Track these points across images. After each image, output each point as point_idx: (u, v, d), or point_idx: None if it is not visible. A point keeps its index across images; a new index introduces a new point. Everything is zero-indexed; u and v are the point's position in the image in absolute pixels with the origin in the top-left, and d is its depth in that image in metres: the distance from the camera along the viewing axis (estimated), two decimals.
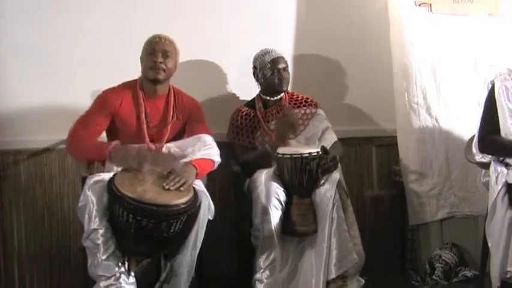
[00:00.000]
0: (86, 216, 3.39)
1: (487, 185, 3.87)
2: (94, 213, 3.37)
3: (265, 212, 3.76)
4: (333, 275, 3.73)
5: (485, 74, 4.41)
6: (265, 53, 4.23)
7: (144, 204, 3.26)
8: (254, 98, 4.32)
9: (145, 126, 3.77)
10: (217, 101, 4.47)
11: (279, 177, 3.86)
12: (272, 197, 3.77)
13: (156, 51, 3.77)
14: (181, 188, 3.43)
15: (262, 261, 3.79)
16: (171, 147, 3.75)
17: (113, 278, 3.37)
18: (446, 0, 4.56)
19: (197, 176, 3.60)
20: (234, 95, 4.55)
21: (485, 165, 3.90)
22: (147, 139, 3.76)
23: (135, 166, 3.50)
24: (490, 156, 3.84)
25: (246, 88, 4.37)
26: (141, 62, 3.82)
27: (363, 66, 4.74)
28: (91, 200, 3.38)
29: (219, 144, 3.85)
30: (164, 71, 3.76)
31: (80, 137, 3.68)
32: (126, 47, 4.06)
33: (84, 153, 3.72)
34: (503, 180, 3.66)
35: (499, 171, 3.72)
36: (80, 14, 4.29)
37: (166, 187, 3.40)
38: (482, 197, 4.13)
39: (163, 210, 3.29)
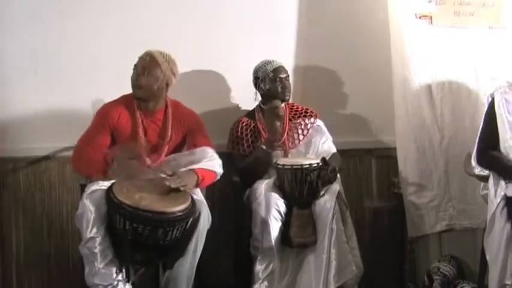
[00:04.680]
0: (84, 224, 3.41)
1: (486, 197, 3.88)
2: (92, 221, 3.39)
3: (265, 222, 3.77)
4: (331, 287, 3.74)
5: (486, 87, 4.43)
6: (266, 63, 4.25)
7: (140, 211, 3.29)
8: (254, 109, 4.33)
9: (142, 142, 3.77)
10: (218, 112, 4.47)
11: (279, 188, 3.88)
12: (272, 208, 3.78)
13: (137, 68, 3.78)
14: (181, 188, 3.45)
15: (261, 272, 3.79)
16: (171, 159, 3.75)
17: (110, 286, 3.40)
18: (446, 13, 4.56)
19: (198, 185, 3.62)
20: (234, 105, 4.55)
21: (485, 178, 3.90)
22: (145, 156, 3.76)
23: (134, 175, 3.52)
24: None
25: (247, 99, 4.38)
26: None
27: (363, 78, 4.74)
28: (89, 208, 3.41)
29: (220, 155, 3.86)
30: (141, 88, 3.75)
31: (85, 152, 3.69)
32: (127, 55, 4.05)
33: (89, 171, 3.71)
34: (502, 193, 3.67)
35: (498, 184, 3.73)
36: (79, 21, 4.28)
37: (167, 183, 3.43)
38: (481, 210, 4.13)
39: (159, 217, 3.31)
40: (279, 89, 4.21)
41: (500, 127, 3.74)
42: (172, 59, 3.83)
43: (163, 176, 3.55)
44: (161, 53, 3.80)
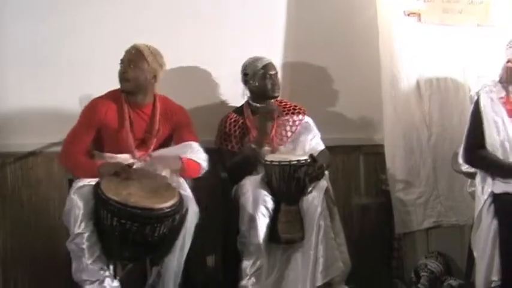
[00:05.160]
0: (72, 220, 3.40)
1: (473, 194, 3.91)
2: (80, 217, 3.38)
3: (252, 219, 3.77)
4: (319, 283, 3.73)
5: (473, 85, 4.45)
6: (256, 59, 4.24)
7: (129, 208, 3.28)
8: (242, 105, 4.32)
9: (130, 137, 3.77)
10: (206, 108, 4.47)
11: (267, 184, 3.88)
12: (259, 204, 3.78)
13: (124, 62, 3.79)
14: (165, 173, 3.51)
15: (248, 268, 3.80)
16: (154, 157, 3.75)
17: (97, 282, 3.39)
18: (435, 11, 4.58)
19: (182, 172, 3.64)
20: (222, 102, 4.55)
21: (472, 175, 3.93)
22: (134, 149, 3.78)
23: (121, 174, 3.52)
24: None
25: (235, 95, 4.37)
26: None
27: (352, 75, 4.75)
28: (76, 204, 3.40)
29: (207, 151, 3.86)
30: (128, 81, 3.76)
31: (71, 154, 3.69)
32: (115, 51, 4.02)
33: (75, 171, 3.71)
34: (489, 190, 3.70)
35: (485, 181, 3.76)
36: (67, 18, 4.27)
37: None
38: (469, 207, 4.15)
39: (148, 214, 3.30)
40: (269, 86, 4.20)
41: (486, 126, 3.78)
42: (158, 51, 3.83)
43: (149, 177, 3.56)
44: (147, 45, 3.80)
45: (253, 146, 4.06)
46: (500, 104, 3.83)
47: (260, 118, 4.13)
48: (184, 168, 3.66)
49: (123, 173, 3.52)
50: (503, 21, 4.62)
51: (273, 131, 4.19)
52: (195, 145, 3.82)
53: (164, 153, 3.78)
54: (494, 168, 3.74)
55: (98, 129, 3.77)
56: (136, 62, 3.76)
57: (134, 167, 3.65)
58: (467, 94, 4.52)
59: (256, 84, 4.22)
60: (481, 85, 3.95)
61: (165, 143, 3.91)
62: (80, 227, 3.38)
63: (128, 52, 3.79)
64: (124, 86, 3.77)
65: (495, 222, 3.60)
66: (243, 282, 3.80)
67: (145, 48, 3.78)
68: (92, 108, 3.80)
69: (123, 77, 3.76)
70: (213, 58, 4.48)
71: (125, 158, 3.75)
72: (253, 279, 3.78)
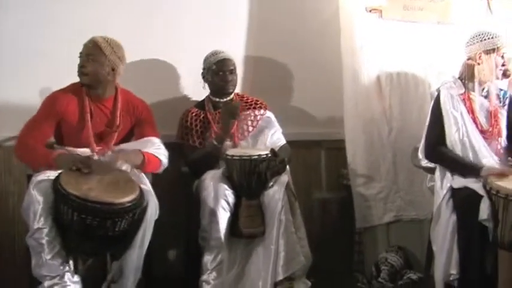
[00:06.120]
0: (31, 215, 3.36)
1: (432, 189, 3.96)
2: (39, 212, 3.34)
3: (213, 213, 3.77)
4: (280, 277, 3.76)
5: (434, 81, 4.50)
6: (212, 54, 4.22)
7: (89, 202, 3.26)
8: (204, 100, 4.31)
9: (90, 130, 3.74)
10: (167, 102, 4.45)
11: (228, 179, 3.87)
12: (220, 199, 3.77)
13: (82, 55, 3.76)
14: (125, 167, 3.49)
15: (209, 263, 3.79)
16: (116, 150, 3.73)
17: (58, 277, 3.36)
18: (396, 7, 4.62)
19: (142, 166, 3.63)
20: (184, 96, 4.53)
21: (431, 170, 3.99)
22: (93, 142, 3.74)
23: (81, 168, 3.48)
24: None
25: (197, 89, 4.35)
26: None
27: (314, 70, 4.76)
28: (36, 198, 3.35)
29: (169, 145, 3.86)
30: (86, 74, 3.73)
31: (28, 143, 3.63)
32: (75, 44, 3.97)
33: (31, 160, 3.68)
34: (448, 185, 3.76)
35: (445, 176, 3.81)
36: (27, 10, 4.21)
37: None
38: (428, 201, 4.20)
39: (108, 209, 3.28)
40: (220, 83, 4.19)
41: (446, 122, 3.84)
42: (118, 43, 3.80)
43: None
44: (105, 38, 3.77)
45: (215, 142, 4.05)
46: (460, 100, 3.89)
47: (223, 115, 4.10)
48: (145, 162, 3.65)
49: (81, 166, 3.48)
50: (462, 19, 4.67)
51: (235, 126, 4.18)
52: (156, 141, 3.82)
53: (125, 147, 3.77)
54: (454, 166, 3.80)
55: (58, 122, 3.73)
56: (94, 56, 3.72)
57: (94, 158, 3.63)
58: (427, 90, 4.58)
59: (210, 79, 4.22)
60: (442, 81, 4.00)
61: (126, 138, 3.89)
62: (39, 222, 3.34)
63: (85, 46, 3.76)
64: (82, 80, 3.75)
65: (454, 217, 3.66)
66: (204, 277, 3.80)
67: (103, 41, 3.75)
68: (53, 100, 3.76)
69: (81, 71, 3.73)
70: (174, 52, 4.47)
71: (83, 151, 3.71)
72: (214, 273, 3.78)
